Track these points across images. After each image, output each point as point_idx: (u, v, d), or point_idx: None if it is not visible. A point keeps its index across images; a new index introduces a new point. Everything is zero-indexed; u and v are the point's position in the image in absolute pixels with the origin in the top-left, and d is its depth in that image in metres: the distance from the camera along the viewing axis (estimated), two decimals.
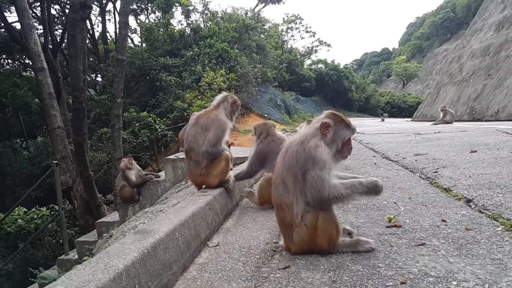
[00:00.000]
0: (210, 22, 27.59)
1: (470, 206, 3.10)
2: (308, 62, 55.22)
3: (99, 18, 31.62)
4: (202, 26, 27.18)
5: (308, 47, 47.66)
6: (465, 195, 3.37)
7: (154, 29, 26.46)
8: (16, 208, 13.06)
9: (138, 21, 33.28)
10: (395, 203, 3.41)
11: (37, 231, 10.13)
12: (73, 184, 10.41)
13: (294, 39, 49.89)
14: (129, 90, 24.39)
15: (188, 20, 27.93)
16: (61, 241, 12.64)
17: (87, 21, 25.42)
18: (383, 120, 36.59)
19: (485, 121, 19.97)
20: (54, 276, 7.17)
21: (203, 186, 3.63)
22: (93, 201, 10.02)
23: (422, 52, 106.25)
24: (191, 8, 27.59)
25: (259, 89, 27.64)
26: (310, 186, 2.17)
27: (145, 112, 18.96)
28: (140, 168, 7.72)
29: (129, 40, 33.87)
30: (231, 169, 3.73)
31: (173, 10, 27.80)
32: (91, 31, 29.68)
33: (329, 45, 46.43)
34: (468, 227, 2.58)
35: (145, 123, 18.04)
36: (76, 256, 7.84)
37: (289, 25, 43.21)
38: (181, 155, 7.61)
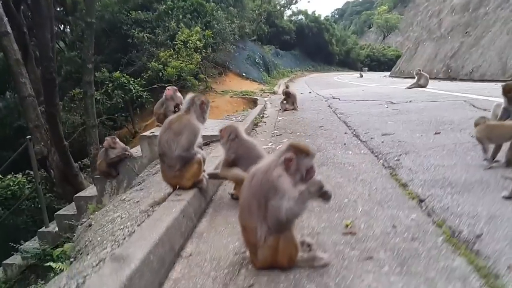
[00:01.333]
0: None
1: (421, 208, 3.40)
2: (288, 13, 54.09)
3: None
4: None
5: None
6: (419, 194, 3.68)
7: None
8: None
9: None
10: (355, 201, 3.70)
11: (19, 202, 10.21)
12: (48, 153, 10.39)
13: None
14: (100, 46, 23.54)
15: None
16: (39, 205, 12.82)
17: None
18: (361, 76, 36.80)
19: (460, 80, 20.50)
20: (35, 250, 7.39)
21: (177, 187, 3.80)
22: (69, 170, 10.09)
23: (404, 1, 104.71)
24: None
25: (237, 46, 27.14)
26: (270, 214, 2.39)
27: (118, 71, 18.52)
28: (124, 146, 7.77)
29: None
30: (204, 171, 3.89)
31: None
32: None
33: None
34: (414, 235, 2.88)
35: (119, 84, 17.70)
36: (57, 229, 8.04)
37: None
38: (157, 131, 7.68)
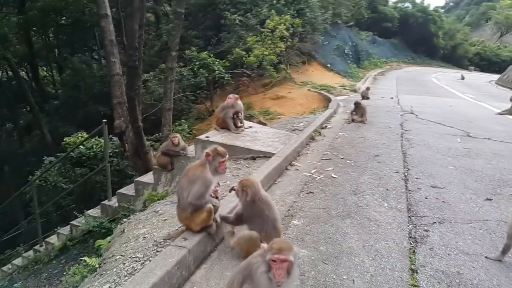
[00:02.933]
0: None
1: None
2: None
3: None
4: None
5: None
6: None
7: None
8: (80, 133, 14.62)
9: None
10: (352, 281, 3.65)
11: (94, 172, 11.41)
12: (126, 129, 11.40)
13: None
14: (196, 21, 24.58)
15: None
16: (117, 167, 14.21)
17: None
18: (463, 78, 33.74)
19: None
20: (94, 222, 8.32)
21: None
22: (141, 148, 11.01)
23: None
24: None
25: (328, 33, 26.43)
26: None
27: (206, 52, 19.25)
28: (184, 145, 8.27)
29: None
30: (214, 220, 4.08)
31: None
32: None
33: None
34: None
35: (204, 63, 18.44)
36: (116, 204, 8.94)
37: None
38: (213, 135, 8.04)
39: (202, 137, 7.90)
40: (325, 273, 3.77)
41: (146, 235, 4.63)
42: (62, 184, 13.02)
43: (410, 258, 4.09)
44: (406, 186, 6.28)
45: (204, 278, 3.64)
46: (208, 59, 18.37)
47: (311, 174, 6.69)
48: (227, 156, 3.99)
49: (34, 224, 11.07)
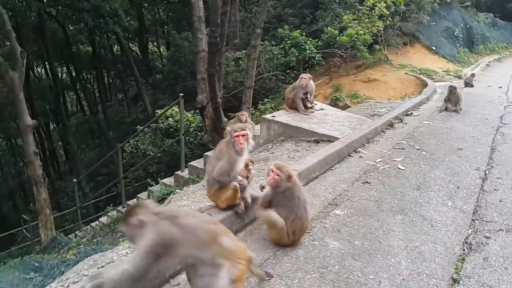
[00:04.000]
0: None
1: None
2: None
3: None
4: None
5: None
6: None
7: None
8: (172, 109, 15.52)
9: None
10: (379, 282, 3.35)
11: (172, 142, 12.10)
12: (207, 104, 11.81)
13: None
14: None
15: None
16: (200, 141, 14.93)
17: None
18: None
19: None
20: (164, 190, 8.86)
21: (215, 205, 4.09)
22: (219, 123, 11.33)
23: None
24: None
25: (437, 13, 24.02)
26: None
27: (299, 30, 18.90)
28: (253, 124, 8.31)
29: None
30: (243, 200, 4.03)
31: None
32: None
33: None
34: None
35: (296, 42, 18.15)
36: (188, 176, 9.40)
37: None
38: (279, 115, 7.94)
39: (268, 116, 7.86)
40: (351, 269, 3.51)
41: (185, 207, 4.79)
42: (151, 152, 14.04)
43: (456, 266, 3.62)
44: (482, 185, 5.53)
45: None
46: (300, 38, 18.02)
47: (375, 163, 6.25)
48: (245, 131, 3.83)
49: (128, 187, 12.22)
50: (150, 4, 29.73)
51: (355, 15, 18.49)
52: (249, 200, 4.11)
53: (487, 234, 4.15)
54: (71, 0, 20.19)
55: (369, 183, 5.48)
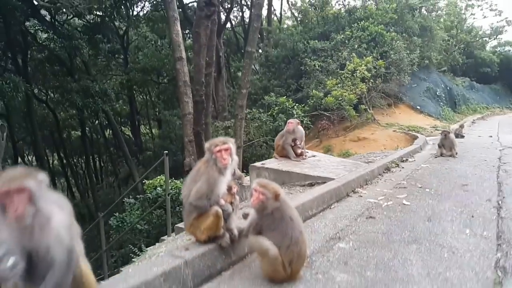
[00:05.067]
0: (368, 2, 25.86)
1: None
2: (493, 43, 47.04)
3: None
4: (359, 7, 25.62)
5: (492, 27, 40.71)
6: None
7: (309, 10, 26.20)
8: (159, 177, 14.96)
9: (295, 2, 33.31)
10: None
11: (155, 205, 11.44)
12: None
13: (474, 18, 43.35)
14: (279, 72, 25.03)
15: (345, 1, 26.84)
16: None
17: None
18: None
19: None
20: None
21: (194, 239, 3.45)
22: None
23: None
24: None
25: (417, 76, 24.95)
26: None
27: (285, 97, 19.21)
28: (241, 174, 7.85)
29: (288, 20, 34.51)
30: (229, 231, 3.42)
31: None
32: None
33: None
34: None
35: (283, 108, 18.30)
36: (176, 240, 8.61)
37: (470, 2, 37.40)
38: (269, 162, 7.49)
39: (258, 164, 7.40)
40: None
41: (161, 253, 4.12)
42: (138, 226, 13.20)
43: None
44: (498, 213, 4.97)
45: None
46: (287, 103, 18.22)
47: (377, 201, 5.68)
48: (227, 145, 3.33)
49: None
50: (141, 86, 30.52)
51: (338, 79, 18.93)
52: (236, 232, 3.47)
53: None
54: (59, 82, 20.55)
55: (373, 217, 4.87)
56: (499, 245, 3.90)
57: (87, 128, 30.79)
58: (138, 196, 14.54)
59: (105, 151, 34.59)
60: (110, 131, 32.16)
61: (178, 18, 12.05)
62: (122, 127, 34.38)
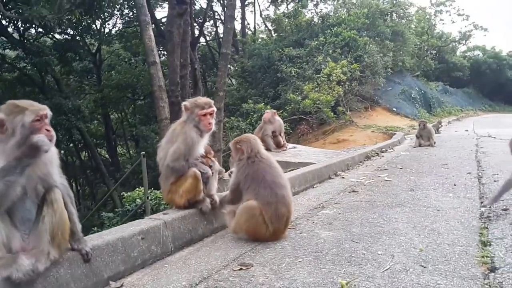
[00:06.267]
0: (340, 8, 26.39)
1: (485, 281, 2.12)
2: (463, 48, 48.60)
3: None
4: (331, 14, 26.11)
5: (460, 32, 42.18)
6: (496, 260, 2.37)
7: (282, 20, 26.53)
8: (137, 189, 14.55)
9: (274, 12, 33.76)
10: (391, 255, 2.57)
11: (132, 211, 11.10)
12: None
13: (443, 23, 44.83)
14: (256, 81, 25.07)
15: (317, 8, 27.33)
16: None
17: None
18: None
19: None
20: None
21: (173, 206, 3.29)
22: None
23: None
24: None
25: (392, 80, 25.41)
26: None
27: (263, 104, 19.18)
28: (221, 169, 7.69)
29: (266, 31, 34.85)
30: (209, 197, 3.28)
31: (307, 0, 27.23)
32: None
33: (485, 30, 40.53)
34: None
35: (262, 114, 18.23)
36: None
37: (438, 8, 38.68)
38: None
39: None
40: (352, 250, 2.74)
41: None
42: None
43: (481, 233, 2.93)
44: (479, 181, 5.01)
45: (183, 258, 2.77)
46: (265, 110, 18.17)
47: (359, 180, 5.62)
48: (212, 108, 3.25)
49: None
50: (116, 104, 29.99)
51: (315, 83, 19.06)
52: (216, 198, 3.32)
53: (504, 207, 3.50)
54: (31, 99, 19.98)
55: (356, 192, 4.79)
56: (481, 203, 3.88)
57: (62, 151, 29.98)
58: (116, 209, 14.13)
59: (82, 173, 33.69)
60: (86, 153, 31.48)
61: (150, 22, 11.90)
62: (98, 149, 33.56)
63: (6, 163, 1.93)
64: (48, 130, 2.06)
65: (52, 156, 2.21)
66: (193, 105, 3.20)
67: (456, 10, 39.09)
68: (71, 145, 29.48)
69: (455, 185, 4.85)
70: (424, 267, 2.35)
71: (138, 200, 13.84)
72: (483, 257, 2.43)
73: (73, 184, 35.34)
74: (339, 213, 3.74)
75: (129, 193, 14.39)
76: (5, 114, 1.99)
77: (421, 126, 10.24)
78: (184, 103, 3.27)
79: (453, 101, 37.95)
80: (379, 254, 2.62)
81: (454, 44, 44.78)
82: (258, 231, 2.92)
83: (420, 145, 10.00)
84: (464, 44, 46.91)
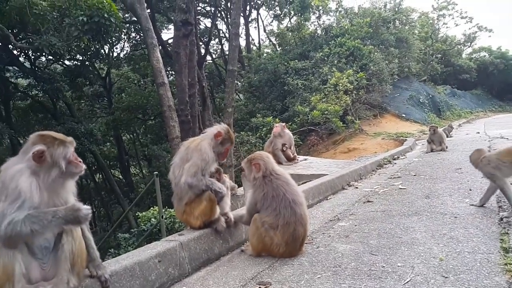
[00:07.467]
0: (342, 19, 26.53)
1: None
2: (469, 50, 48.35)
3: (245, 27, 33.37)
4: (334, 25, 26.25)
5: (465, 35, 42.04)
6: None
7: (286, 34, 26.75)
8: (152, 208, 14.64)
9: (277, 27, 34.08)
10: (411, 267, 2.53)
11: (148, 231, 11.12)
12: None
13: (447, 27, 44.70)
14: (263, 95, 25.21)
15: (320, 20, 27.52)
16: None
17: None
18: None
19: None
20: None
21: (188, 227, 3.30)
22: None
23: None
24: (321, 9, 27.05)
25: (399, 86, 25.36)
26: None
27: (271, 117, 19.24)
28: (233, 185, 7.72)
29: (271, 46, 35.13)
30: (224, 216, 3.28)
31: (310, 13, 27.45)
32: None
33: (490, 30, 40.36)
34: None
35: (271, 127, 18.28)
36: None
37: (440, 12, 38.64)
38: None
39: None
40: (371, 263, 2.71)
41: None
42: None
43: (501, 239, 2.88)
44: None
45: (200, 279, 2.77)
46: (274, 123, 18.23)
47: (373, 189, 5.58)
48: (224, 133, 3.30)
49: None
50: (127, 125, 30.35)
51: (322, 94, 19.09)
52: (231, 216, 3.33)
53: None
54: (44, 126, 20.37)
55: (371, 202, 4.76)
56: (500, 207, 3.83)
57: None
58: (132, 230, 14.17)
59: (96, 195, 33.99)
60: (100, 175, 31.77)
61: (157, 44, 12.11)
62: (112, 170, 33.90)
63: (42, 212, 1.99)
64: (80, 162, 2.24)
65: (71, 185, 2.30)
66: (228, 136, 3.28)
67: (459, 13, 38.92)
68: (85, 168, 29.77)
69: (470, 190, 4.80)
70: (446, 277, 2.31)
71: (153, 219, 13.91)
72: (506, 264, 2.39)
73: (89, 207, 35.60)
74: (355, 225, 3.71)
75: (144, 213, 14.49)
76: (45, 146, 2.07)
77: (432, 131, 10.15)
78: (218, 129, 3.28)
79: (462, 104, 37.62)
80: (398, 266, 2.59)
81: (459, 46, 44.59)
82: (269, 248, 2.96)
83: (432, 150, 9.91)
84: (469, 46, 46.62)
